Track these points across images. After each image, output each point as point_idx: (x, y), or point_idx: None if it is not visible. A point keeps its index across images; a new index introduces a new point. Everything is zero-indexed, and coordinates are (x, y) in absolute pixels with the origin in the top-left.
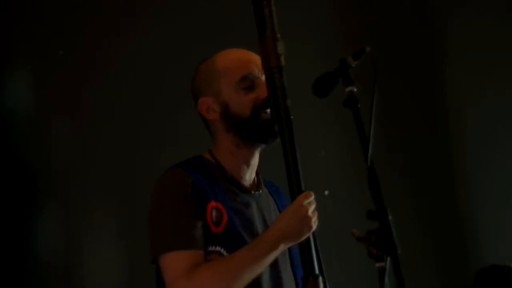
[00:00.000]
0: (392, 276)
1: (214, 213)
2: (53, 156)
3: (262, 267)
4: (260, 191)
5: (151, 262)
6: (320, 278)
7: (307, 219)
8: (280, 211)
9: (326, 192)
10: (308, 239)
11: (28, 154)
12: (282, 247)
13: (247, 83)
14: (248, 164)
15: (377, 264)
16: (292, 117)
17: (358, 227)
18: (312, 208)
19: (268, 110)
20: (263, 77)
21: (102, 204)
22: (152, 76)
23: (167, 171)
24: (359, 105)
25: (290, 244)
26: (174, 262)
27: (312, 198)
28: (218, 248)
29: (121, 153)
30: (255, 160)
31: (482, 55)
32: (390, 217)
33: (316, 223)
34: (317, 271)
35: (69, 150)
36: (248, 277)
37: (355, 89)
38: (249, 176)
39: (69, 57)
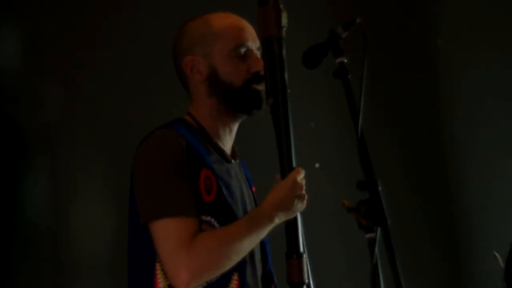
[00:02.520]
0: (383, 247)
1: (206, 180)
2: (40, 115)
3: (258, 239)
4: (237, 161)
5: (141, 227)
6: (304, 256)
7: (302, 195)
8: (248, 183)
9: (317, 165)
10: (295, 217)
11: (15, 113)
12: (277, 221)
13: (240, 53)
14: (230, 131)
15: (367, 235)
16: (289, 91)
17: (349, 199)
18: (304, 185)
19: (259, 85)
20: (256, 51)
21: (90, 164)
22: (144, 35)
23: (157, 131)
24: (349, 76)
25: (284, 219)
26: (172, 230)
27: (303, 174)
28: (209, 218)
29: (110, 112)
30: (235, 130)
31: (475, 28)
32: (380, 188)
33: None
34: (301, 249)
35: (57, 109)
36: (247, 248)
37: (345, 60)
38: (229, 144)
39: (61, 16)
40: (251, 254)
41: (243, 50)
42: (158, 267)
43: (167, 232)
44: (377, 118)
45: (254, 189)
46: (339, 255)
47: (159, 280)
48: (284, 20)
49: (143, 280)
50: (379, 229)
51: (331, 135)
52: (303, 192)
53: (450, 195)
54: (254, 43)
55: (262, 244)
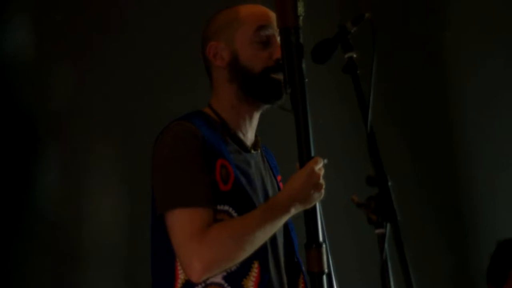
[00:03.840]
0: (392, 242)
1: (222, 170)
2: (51, 103)
3: (274, 230)
4: (258, 151)
5: (157, 217)
6: (324, 246)
7: (319, 185)
8: (272, 172)
9: (325, 161)
10: (314, 206)
11: (29, 98)
12: (293, 211)
13: (263, 36)
14: (250, 121)
15: (377, 231)
16: (306, 80)
17: (359, 194)
18: (322, 174)
19: (278, 74)
20: (278, 38)
21: (101, 154)
22: (159, 18)
23: (174, 124)
24: (358, 71)
25: (300, 209)
26: (185, 220)
27: (322, 164)
28: (226, 207)
29: (123, 96)
30: (256, 119)
31: (484, 20)
32: (390, 183)
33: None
34: (321, 239)
35: (69, 98)
36: (261, 239)
37: (355, 55)
38: (251, 135)
39: (72, 3)
40: (273, 242)
41: (264, 33)
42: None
43: (181, 223)
44: (386, 113)
45: (279, 177)
46: (349, 250)
47: (179, 272)
48: (301, 9)
49: (165, 271)
50: (388, 224)
51: (340, 131)
52: (321, 181)
53: (458, 190)
54: (277, 31)
55: (287, 231)
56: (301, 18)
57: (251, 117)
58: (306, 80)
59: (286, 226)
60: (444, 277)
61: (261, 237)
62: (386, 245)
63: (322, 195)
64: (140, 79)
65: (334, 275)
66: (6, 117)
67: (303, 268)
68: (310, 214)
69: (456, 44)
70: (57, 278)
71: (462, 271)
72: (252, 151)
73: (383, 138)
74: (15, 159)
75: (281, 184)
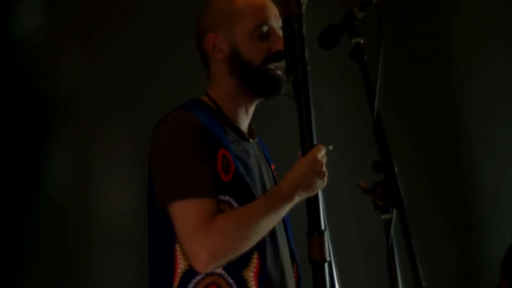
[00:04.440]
0: (398, 229)
1: (223, 160)
2: (64, 84)
3: (278, 219)
4: (255, 140)
5: (157, 208)
6: (326, 234)
7: (322, 173)
8: (267, 161)
9: (330, 147)
10: (316, 194)
11: (38, 83)
12: (297, 199)
13: (263, 31)
14: (246, 111)
15: (383, 216)
16: (309, 68)
17: (364, 181)
18: (325, 161)
19: (278, 64)
20: (278, 29)
21: (115, 133)
22: (171, 4)
23: (173, 114)
24: (365, 57)
25: (304, 197)
26: (190, 211)
27: (324, 151)
28: (227, 198)
29: (135, 82)
30: (253, 109)
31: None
32: (396, 169)
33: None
34: (322, 227)
35: (81, 79)
36: (266, 229)
37: (362, 41)
38: (246, 123)
39: None
40: (272, 233)
41: (265, 29)
42: (178, 248)
43: (185, 214)
44: (391, 102)
45: (273, 166)
46: (355, 236)
47: (179, 261)
48: None
49: (164, 261)
50: (395, 210)
51: (345, 117)
52: (324, 169)
53: (463, 178)
54: (276, 22)
55: (283, 222)
56: (304, 6)
57: (248, 107)
58: (309, 68)
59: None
60: (448, 263)
61: (266, 226)
62: (392, 231)
63: (325, 183)
64: (152, 63)
65: (335, 263)
66: (16, 102)
67: (297, 259)
68: (312, 202)
69: (461, 35)
70: (66, 264)
71: (466, 257)
72: (251, 140)
73: (388, 126)
74: (24, 145)
75: (274, 173)
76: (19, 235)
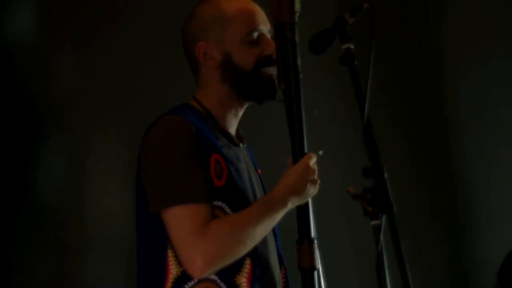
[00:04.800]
0: (388, 234)
1: (217, 166)
2: (58, 87)
3: (272, 225)
4: (245, 145)
5: (151, 215)
6: (315, 242)
7: (315, 180)
8: (254, 165)
9: (321, 152)
10: (307, 202)
11: (32, 85)
12: (290, 206)
13: (253, 37)
14: (236, 115)
15: (373, 222)
16: (301, 76)
17: (354, 186)
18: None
19: (270, 69)
20: (267, 34)
21: (109, 137)
22: (162, 8)
23: (166, 118)
24: (356, 62)
25: (296, 204)
26: (185, 217)
27: (315, 159)
28: (220, 203)
29: (129, 84)
30: (241, 114)
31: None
32: (386, 175)
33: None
34: (313, 235)
35: (75, 81)
36: (260, 234)
37: (352, 46)
38: (234, 128)
39: None
40: (263, 239)
41: (255, 34)
42: (170, 253)
43: (180, 220)
44: (381, 105)
45: (259, 171)
46: (345, 242)
47: (171, 267)
48: (297, 5)
49: (155, 267)
50: (384, 216)
51: (335, 122)
52: (315, 176)
53: (454, 182)
54: (265, 26)
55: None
56: (297, 14)
57: (238, 112)
58: (301, 76)
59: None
60: (439, 268)
61: (261, 232)
62: (381, 237)
63: (317, 190)
64: (149, 65)
65: (325, 269)
66: (10, 105)
67: (285, 264)
68: (302, 210)
69: (453, 36)
70: (59, 268)
71: (457, 262)
72: (241, 145)
73: (378, 130)
74: (18, 147)
75: (261, 178)
76: (13, 237)
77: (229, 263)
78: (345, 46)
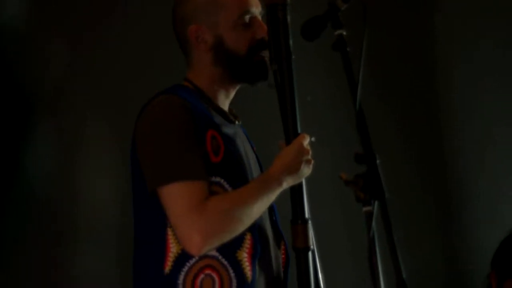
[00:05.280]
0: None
1: (213, 141)
2: (49, 73)
3: (269, 203)
4: (240, 122)
5: (148, 193)
6: (309, 223)
7: (309, 160)
8: (251, 145)
9: (313, 139)
10: (300, 183)
11: (23, 71)
12: (285, 185)
13: (245, 20)
14: (227, 96)
15: (365, 209)
16: (293, 57)
17: (347, 172)
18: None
19: (263, 52)
20: (259, 16)
21: (99, 123)
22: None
23: (161, 97)
24: (348, 49)
25: (291, 184)
26: (183, 194)
27: (308, 140)
28: (218, 179)
29: (121, 71)
30: (233, 94)
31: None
32: (378, 161)
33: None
34: (306, 215)
35: (67, 67)
36: (258, 212)
37: (344, 33)
38: (227, 107)
39: None
40: (262, 215)
41: (247, 17)
42: (169, 232)
43: (178, 197)
44: (374, 91)
45: (254, 148)
46: (337, 228)
47: (171, 245)
48: None
49: (154, 246)
50: (376, 202)
51: (328, 108)
52: (310, 157)
53: (447, 168)
54: (257, 9)
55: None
56: None
57: (230, 92)
58: (293, 57)
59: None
60: (432, 255)
61: (258, 209)
62: (373, 223)
63: (311, 170)
64: (139, 53)
65: (319, 253)
66: (0, 93)
67: (285, 239)
68: (296, 191)
69: (446, 25)
70: (49, 256)
71: (449, 248)
72: (236, 122)
73: (370, 116)
74: (7, 133)
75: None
76: (3, 229)
77: (226, 240)
78: (337, 32)
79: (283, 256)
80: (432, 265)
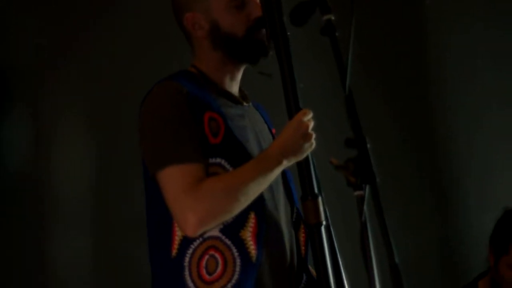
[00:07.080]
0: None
1: (211, 123)
2: (23, 51)
3: (267, 183)
4: (250, 104)
5: (149, 178)
6: (320, 198)
7: (309, 135)
8: (268, 125)
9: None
10: (307, 158)
11: None
12: (285, 163)
13: (238, 1)
14: (233, 78)
15: (356, 193)
16: (288, 33)
17: (339, 157)
18: (311, 125)
19: (262, 30)
20: None
21: (73, 100)
22: None
23: (158, 85)
24: (337, 34)
25: (293, 161)
26: (177, 177)
27: (310, 115)
28: (218, 160)
29: (94, 49)
30: (240, 76)
31: None
32: (368, 145)
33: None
34: (316, 191)
35: (40, 45)
36: (255, 191)
37: (333, 18)
38: (235, 90)
39: None
40: (270, 191)
41: None
42: None
43: (172, 179)
44: (364, 76)
45: (274, 131)
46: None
47: (176, 229)
48: None
49: (162, 231)
50: (367, 186)
51: (321, 95)
52: (310, 131)
53: (438, 151)
54: None
55: (286, 181)
56: None
57: (236, 74)
58: (289, 33)
59: (284, 176)
60: (426, 238)
61: (255, 189)
62: (365, 208)
63: (313, 146)
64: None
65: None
66: None
67: (297, 203)
68: (303, 166)
69: (436, 7)
70: (23, 234)
71: (442, 232)
72: (244, 103)
73: (361, 100)
74: None
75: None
76: None
77: (223, 220)
78: (325, 17)
79: (303, 235)
80: (426, 248)
